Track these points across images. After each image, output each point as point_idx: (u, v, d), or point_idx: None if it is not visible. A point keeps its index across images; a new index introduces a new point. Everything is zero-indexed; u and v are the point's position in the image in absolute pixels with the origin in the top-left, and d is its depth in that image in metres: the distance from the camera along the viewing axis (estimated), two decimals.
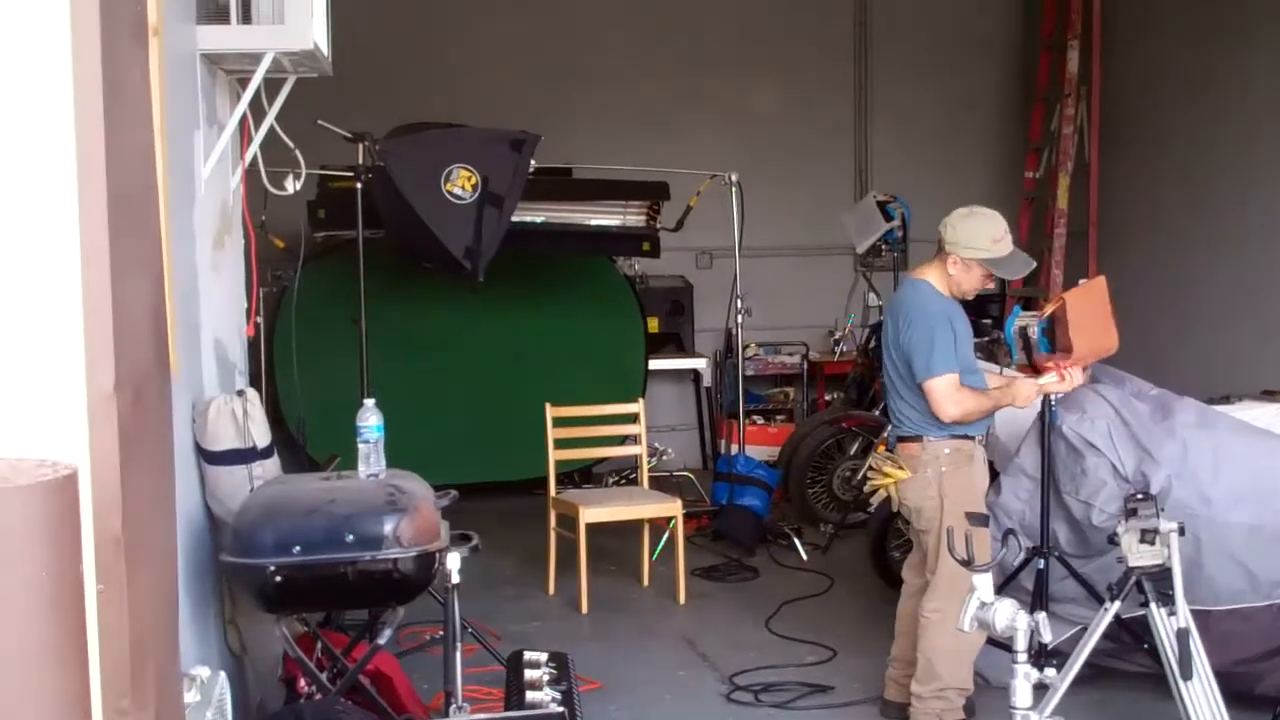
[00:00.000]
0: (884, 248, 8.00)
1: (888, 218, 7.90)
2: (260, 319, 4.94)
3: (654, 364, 8.53)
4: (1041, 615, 3.33)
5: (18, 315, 1.87)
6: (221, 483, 3.73)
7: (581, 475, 8.06)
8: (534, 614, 5.89)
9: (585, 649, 5.15)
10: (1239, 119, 7.90)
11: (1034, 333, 4.44)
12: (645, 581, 6.34)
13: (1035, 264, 4.64)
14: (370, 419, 3.63)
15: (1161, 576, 3.88)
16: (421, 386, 7.77)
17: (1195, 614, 3.91)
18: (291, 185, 4.47)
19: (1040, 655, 3.77)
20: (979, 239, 4.26)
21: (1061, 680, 3.82)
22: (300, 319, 6.07)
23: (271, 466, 3.88)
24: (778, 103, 9.61)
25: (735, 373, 7.79)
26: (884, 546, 5.89)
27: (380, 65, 8.32)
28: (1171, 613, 3.83)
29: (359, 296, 5.66)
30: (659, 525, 6.35)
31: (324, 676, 3.68)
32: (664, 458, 7.93)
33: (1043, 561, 4.52)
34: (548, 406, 6.19)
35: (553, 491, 6.21)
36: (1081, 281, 4.81)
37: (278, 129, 4.30)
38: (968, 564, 3.41)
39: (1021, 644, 3.30)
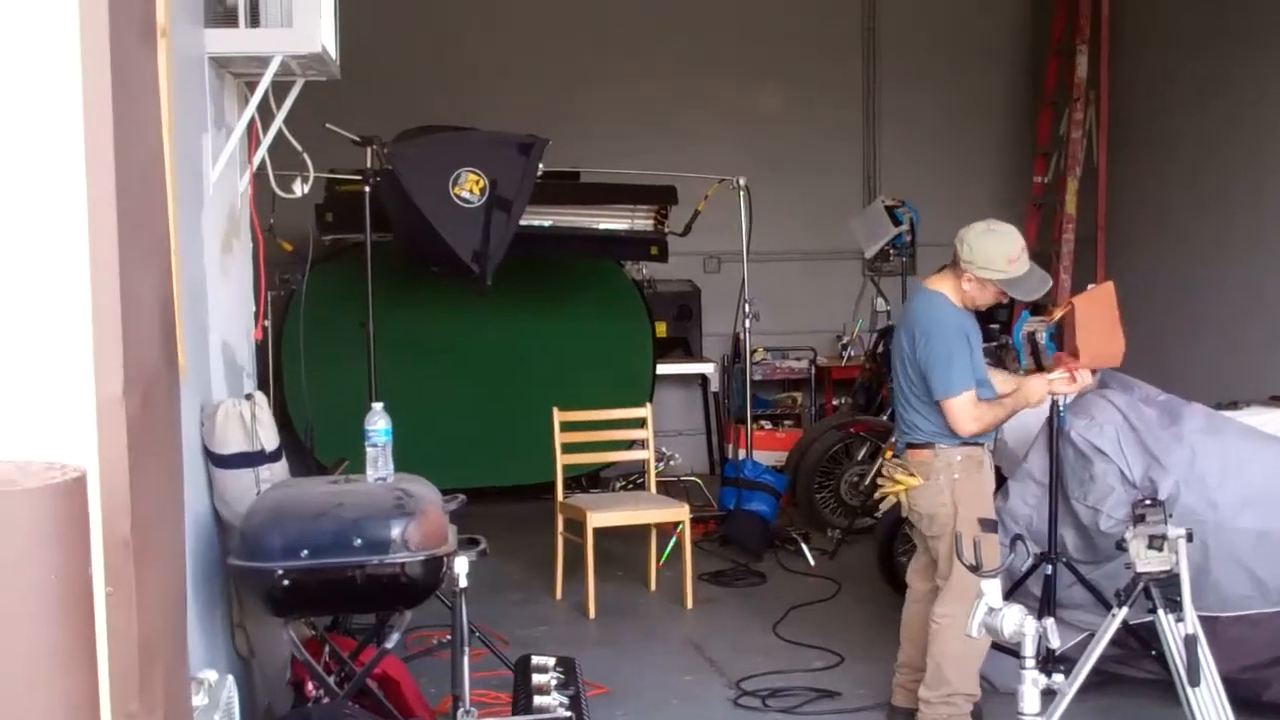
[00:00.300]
0: (892, 252, 8.00)
1: (896, 222, 7.90)
2: (268, 322, 4.94)
3: (661, 368, 8.52)
4: (1049, 621, 3.33)
5: (27, 318, 1.87)
6: (229, 486, 3.72)
7: (589, 480, 8.05)
8: (541, 618, 5.89)
9: (592, 654, 5.16)
10: (1250, 123, 7.87)
11: (1042, 338, 4.43)
12: (652, 586, 6.34)
13: (1051, 282, 4.60)
14: (378, 423, 3.63)
15: (1169, 582, 3.86)
16: (429, 390, 7.77)
17: (1203, 620, 3.89)
18: (300, 188, 4.46)
19: (1048, 661, 3.75)
20: (995, 259, 4.21)
21: (1069, 686, 3.80)
22: (308, 322, 6.04)
23: (279, 470, 3.88)
24: (786, 107, 9.61)
25: (743, 377, 7.78)
26: (891, 552, 5.87)
27: (388, 68, 8.34)
28: (1179, 619, 3.81)
29: (367, 300, 5.65)
30: (666, 530, 6.35)
31: (331, 680, 3.68)
32: (671, 462, 7.91)
33: (1050, 567, 4.50)
34: (555, 411, 6.20)
35: (560, 496, 6.21)
36: (1090, 287, 4.80)
37: (286, 132, 4.30)
38: (976, 569, 3.40)
39: (1029, 650, 3.30)
